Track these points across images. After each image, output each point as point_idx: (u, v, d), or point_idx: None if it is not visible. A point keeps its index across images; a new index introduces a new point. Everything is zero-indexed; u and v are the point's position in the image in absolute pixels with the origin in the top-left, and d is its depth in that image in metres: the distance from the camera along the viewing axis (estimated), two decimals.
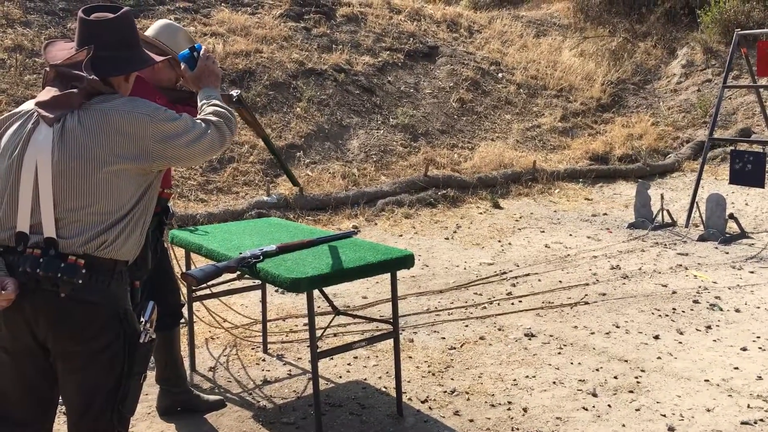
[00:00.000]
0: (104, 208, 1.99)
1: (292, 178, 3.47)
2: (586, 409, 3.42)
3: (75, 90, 2.00)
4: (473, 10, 14.54)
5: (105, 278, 2.01)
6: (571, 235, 7.06)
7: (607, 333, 4.42)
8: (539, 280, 5.55)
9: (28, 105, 2.09)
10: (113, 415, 2.05)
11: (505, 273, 5.76)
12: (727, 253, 6.27)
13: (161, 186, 2.91)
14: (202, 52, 2.46)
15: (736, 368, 3.87)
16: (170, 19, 3.30)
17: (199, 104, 2.35)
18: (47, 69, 2.10)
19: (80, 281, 1.95)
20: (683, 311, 4.79)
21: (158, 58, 2.25)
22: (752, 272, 5.66)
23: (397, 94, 10.46)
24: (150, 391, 3.56)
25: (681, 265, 5.89)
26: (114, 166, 1.98)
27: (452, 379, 3.78)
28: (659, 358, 4.03)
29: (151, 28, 3.04)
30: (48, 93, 2.04)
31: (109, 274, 2.02)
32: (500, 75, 11.94)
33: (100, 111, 2.00)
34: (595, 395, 3.56)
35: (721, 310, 4.82)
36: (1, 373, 2.06)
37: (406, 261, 3.19)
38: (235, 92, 2.94)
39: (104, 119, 1.99)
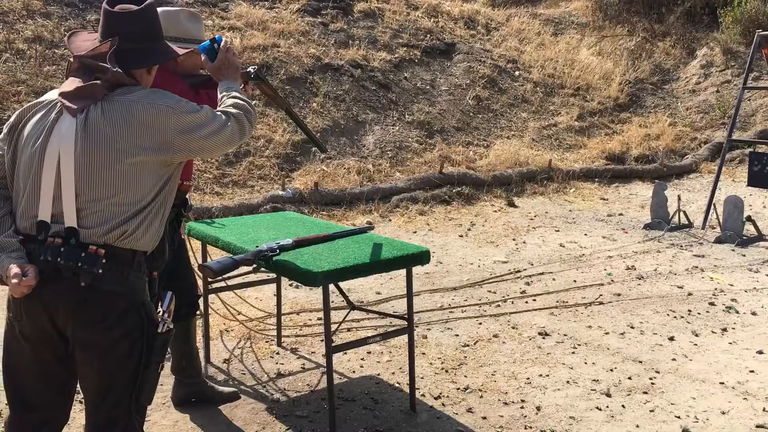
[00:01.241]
0: (126, 199, 2.00)
1: (318, 145, 3.45)
2: (600, 409, 3.41)
3: (98, 81, 2.02)
4: (491, 8, 14.48)
5: (124, 268, 2.03)
6: (586, 234, 7.03)
7: (621, 333, 4.40)
8: (554, 279, 5.54)
9: (52, 95, 2.11)
10: (131, 404, 2.07)
11: (519, 271, 5.75)
12: (744, 255, 6.22)
13: (181, 178, 2.93)
14: (222, 44, 2.46)
15: (752, 371, 3.84)
16: (166, 7, 3.26)
17: (219, 96, 2.36)
18: (71, 60, 2.12)
19: (100, 271, 1.97)
20: (699, 313, 4.76)
21: (181, 51, 2.26)
22: None
23: (414, 90, 10.45)
24: (165, 381, 3.58)
25: (697, 267, 5.85)
26: (136, 158, 2.00)
27: (465, 376, 3.78)
28: (674, 359, 4.01)
29: None
30: (72, 83, 2.05)
31: (128, 264, 2.04)
32: (517, 73, 11.90)
33: (123, 103, 2.02)
34: (608, 395, 3.55)
35: (737, 312, 4.78)
36: (20, 360, 2.09)
37: (422, 257, 3.19)
38: (251, 68, 2.91)
39: (127, 111, 2.00)
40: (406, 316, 3.31)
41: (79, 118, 1.99)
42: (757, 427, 3.24)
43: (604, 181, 9.41)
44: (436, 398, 3.52)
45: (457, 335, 4.36)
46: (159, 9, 3.01)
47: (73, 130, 1.98)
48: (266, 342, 4.24)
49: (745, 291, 5.23)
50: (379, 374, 3.80)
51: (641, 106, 12.03)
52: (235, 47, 9.21)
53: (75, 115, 2.00)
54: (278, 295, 4.23)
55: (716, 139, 10.71)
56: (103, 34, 2.09)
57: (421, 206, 7.80)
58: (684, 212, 7.24)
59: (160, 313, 2.12)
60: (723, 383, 3.70)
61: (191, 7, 9.82)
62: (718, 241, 6.64)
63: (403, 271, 3.25)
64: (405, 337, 3.39)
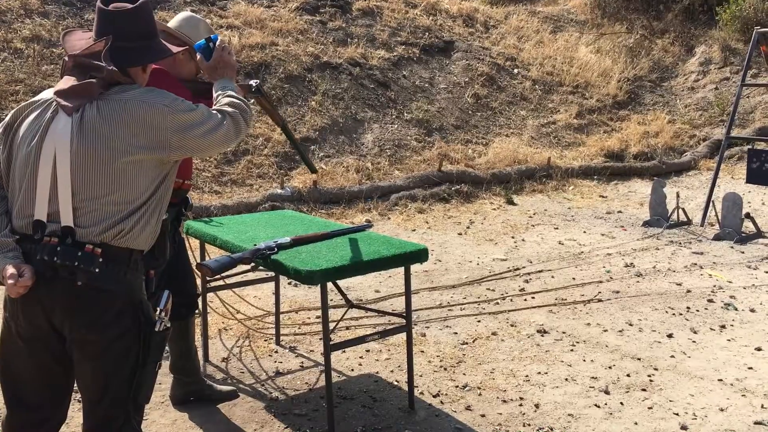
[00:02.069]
0: (122, 197, 2.00)
1: (309, 165, 3.48)
2: (598, 407, 3.41)
3: (94, 80, 2.02)
4: (489, 6, 14.48)
5: (121, 267, 2.03)
6: (585, 232, 7.03)
7: (620, 331, 4.40)
8: (552, 277, 5.54)
9: (47, 94, 2.10)
10: (128, 403, 2.07)
11: (518, 269, 5.75)
12: (743, 252, 6.22)
13: (181, 177, 2.94)
14: (218, 43, 2.47)
15: (750, 368, 3.84)
16: (188, 11, 3.31)
17: (215, 95, 2.36)
18: (66, 58, 2.12)
19: (97, 270, 1.97)
20: (697, 310, 4.76)
21: (176, 49, 2.26)
22: None
23: (412, 88, 10.45)
24: (164, 380, 3.58)
25: (696, 264, 5.85)
26: (132, 156, 2.00)
27: (464, 374, 3.79)
28: (672, 356, 4.01)
29: (174, 20, 3.07)
30: (67, 82, 2.05)
31: (125, 263, 2.04)
32: (516, 71, 11.89)
33: (118, 101, 2.02)
34: (607, 393, 3.55)
35: (736, 309, 4.78)
36: (17, 360, 2.09)
37: (420, 255, 3.19)
38: (254, 82, 2.95)
39: (123, 109, 2.00)
40: (404, 314, 3.31)
41: (74, 116, 1.99)
42: (756, 423, 3.24)
43: (603, 179, 9.41)
44: (434, 396, 3.52)
45: (456, 333, 4.37)
46: (187, 12, 3.06)
47: (69, 129, 1.98)
48: (265, 340, 4.24)
49: (744, 288, 5.23)
50: (377, 372, 3.80)
51: (640, 103, 12.03)
52: (234, 46, 9.21)
53: (70, 113, 1.99)
54: (277, 293, 4.23)
55: (715, 136, 10.71)
56: (98, 32, 2.09)
57: (420, 204, 7.80)
58: (683, 209, 7.25)
59: (157, 312, 2.12)
60: (721, 380, 3.70)
61: (190, 6, 9.82)
62: (717, 238, 6.64)
63: (402, 269, 3.25)
64: (403, 335, 3.39)
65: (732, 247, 6.37)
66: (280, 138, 8.39)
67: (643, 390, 3.59)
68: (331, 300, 4.31)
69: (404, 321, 3.30)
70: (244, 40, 9.56)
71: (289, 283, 5.14)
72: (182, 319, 3.30)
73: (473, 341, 4.24)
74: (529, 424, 3.25)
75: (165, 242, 2.88)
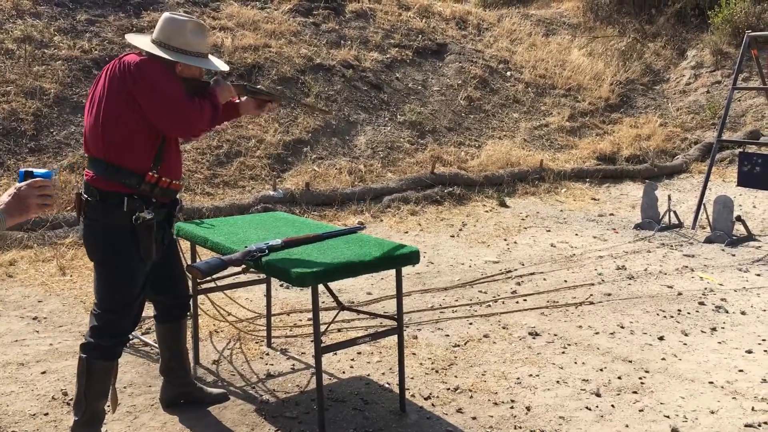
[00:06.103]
0: None
1: (321, 110, 3.54)
2: (590, 409, 3.41)
3: None
4: (482, 8, 14.51)
5: None
6: (577, 234, 7.04)
7: (611, 333, 4.41)
8: (544, 279, 5.54)
9: None
10: None
11: (510, 271, 5.75)
12: (734, 255, 6.24)
13: (170, 177, 2.91)
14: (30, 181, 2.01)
15: (741, 371, 3.85)
16: (179, 12, 3.26)
17: None
18: None
19: None
20: (688, 313, 4.78)
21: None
22: (759, 275, 5.64)
23: (405, 91, 10.45)
24: (154, 383, 3.58)
25: (687, 267, 5.87)
26: None
27: (456, 376, 3.78)
28: (664, 359, 4.01)
29: (157, 28, 2.97)
30: None
31: None
32: (508, 73, 11.92)
33: None
34: (598, 395, 3.55)
35: (727, 312, 4.80)
36: None
37: (411, 257, 3.19)
38: (245, 83, 3.08)
39: None
40: (396, 317, 3.30)
41: None
42: (746, 426, 3.25)
43: (595, 182, 9.43)
44: (426, 399, 3.51)
45: (448, 335, 4.36)
46: (168, 16, 2.97)
47: None
48: (256, 343, 4.23)
49: (735, 290, 5.25)
50: (369, 375, 3.79)
51: (632, 106, 12.07)
52: (227, 47, 9.19)
53: None
54: (268, 295, 4.22)
55: (706, 139, 10.76)
56: None
57: (413, 206, 7.80)
58: (674, 212, 7.27)
59: None
60: (712, 383, 3.71)
61: (183, 7, 9.79)
62: (708, 240, 6.66)
63: (393, 272, 3.25)
64: (395, 338, 3.38)
65: (723, 250, 6.39)
66: (273, 140, 8.39)
67: (634, 392, 3.59)
68: (323, 302, 4.30)
69: (396, 323, 3.29)
70: (237, 41, 9.54)
71: (281, 285, 5.13)
72: (174, 321, 3.29)
73: (465, 344, 4.24)
74: (520, 427, 3.25)
75: (150, 242, 2.86)
